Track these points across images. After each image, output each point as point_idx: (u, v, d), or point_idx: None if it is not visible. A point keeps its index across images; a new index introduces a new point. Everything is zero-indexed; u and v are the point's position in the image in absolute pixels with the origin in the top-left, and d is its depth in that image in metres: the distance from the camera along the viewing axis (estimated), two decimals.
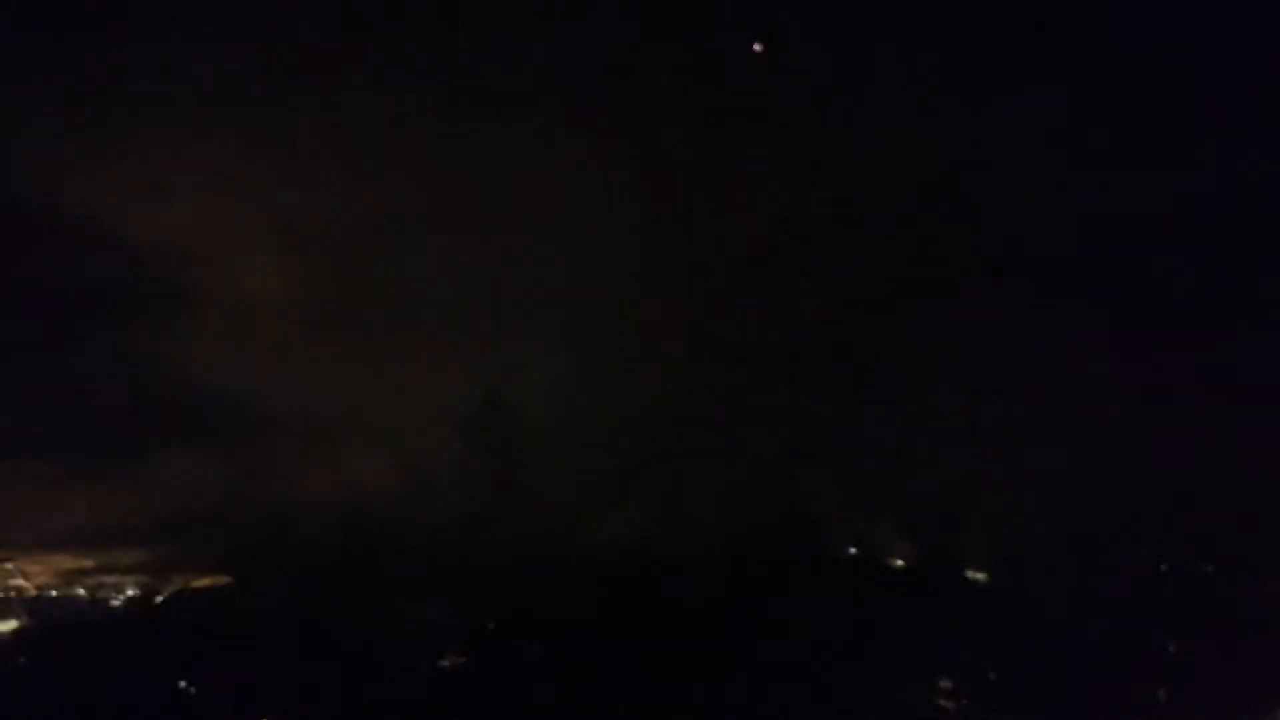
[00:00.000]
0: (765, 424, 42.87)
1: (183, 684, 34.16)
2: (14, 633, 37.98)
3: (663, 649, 36.87)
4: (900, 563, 42.62)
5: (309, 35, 41.13)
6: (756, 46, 42.56)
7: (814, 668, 36.45)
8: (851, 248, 43.14)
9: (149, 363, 41.49)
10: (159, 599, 40.29)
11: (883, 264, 43.26)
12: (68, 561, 41.28)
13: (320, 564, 39.38)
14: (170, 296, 41.95)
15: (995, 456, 41.05)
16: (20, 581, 40.32)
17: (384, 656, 36.82)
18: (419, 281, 43.53)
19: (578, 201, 43.22)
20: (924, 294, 43.50)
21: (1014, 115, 42.20)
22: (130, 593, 40.59)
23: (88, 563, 41.46)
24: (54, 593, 40.38)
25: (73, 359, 41.30)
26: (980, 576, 41.58)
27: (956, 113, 42.65)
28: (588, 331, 42.80)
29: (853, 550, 42.98)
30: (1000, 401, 41.79)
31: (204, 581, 40.73)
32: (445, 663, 37.35)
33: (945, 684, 36.74)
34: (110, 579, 41.08)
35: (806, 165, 43.27)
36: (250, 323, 43.17)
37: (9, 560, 40.55)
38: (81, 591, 40.68)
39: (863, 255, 43.11)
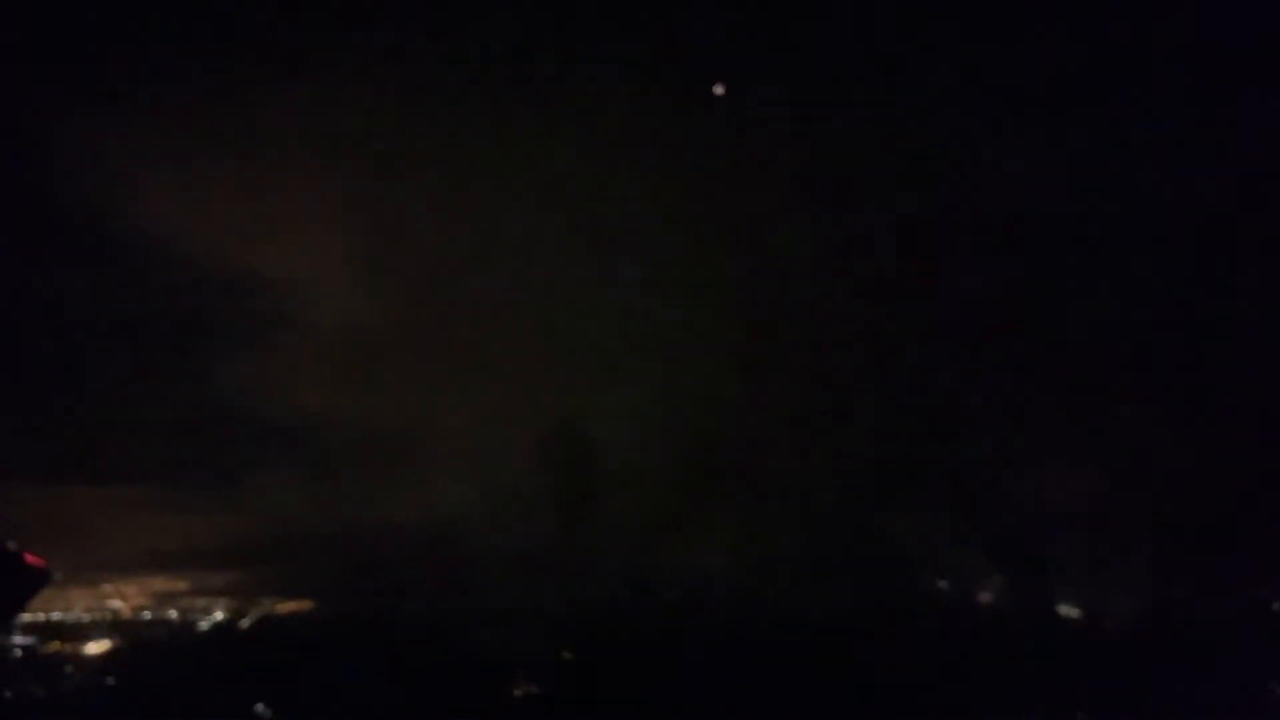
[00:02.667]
0: (852, 454, 41.87)
1: (259, 707, 34.66)
2: (105, 654, 39.21)
3: (743, 683, 35.98)
4: (990, 597, 41.15)
5: (395, 73, 42.39)
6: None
7: (898, 705, 35.15)
8: (939, 280, 42.22)
9: (241, 392, 43.00)
10: (244, 623, 41.29)
11: (972, 295, 42.15)
12: (162, 584, 42.82)
13: (399, 591, 39.78)
14: (258, 328, 43.54)
15: (1089, 489, 39.55)
16: (117, 602, 41.82)
17: (459, 684, 36.81)
18: (501, 310, 44.16)
19: (661, 231, 43.31)
20: (1014, 325, 42.03)
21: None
22: (218, 616, 41.79)
23: (181, 585, 42.98)
24: (147, 614, 41.80)
25: (170, 390, 43.01)
26: (1073, 613, 39.94)
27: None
28: (668, 362, 42.75)
29: (942, 584, 41.66)
30: (1095, 433, 40.34)
31: (289, 606, 41.62)
32: (519, 692, 37.25)
33: None
34: (201, 601, 42.44)
35: (895, 198, 42.65)
36: (337, 353, 44.27)
37: (108, 582, 42.15)
38: (173, 613, 42.08)
39: (950, 287, 42.21)
